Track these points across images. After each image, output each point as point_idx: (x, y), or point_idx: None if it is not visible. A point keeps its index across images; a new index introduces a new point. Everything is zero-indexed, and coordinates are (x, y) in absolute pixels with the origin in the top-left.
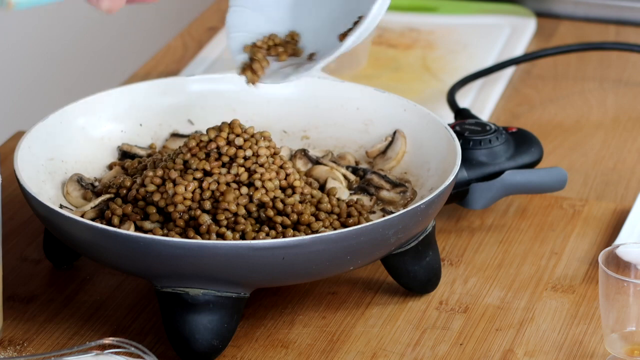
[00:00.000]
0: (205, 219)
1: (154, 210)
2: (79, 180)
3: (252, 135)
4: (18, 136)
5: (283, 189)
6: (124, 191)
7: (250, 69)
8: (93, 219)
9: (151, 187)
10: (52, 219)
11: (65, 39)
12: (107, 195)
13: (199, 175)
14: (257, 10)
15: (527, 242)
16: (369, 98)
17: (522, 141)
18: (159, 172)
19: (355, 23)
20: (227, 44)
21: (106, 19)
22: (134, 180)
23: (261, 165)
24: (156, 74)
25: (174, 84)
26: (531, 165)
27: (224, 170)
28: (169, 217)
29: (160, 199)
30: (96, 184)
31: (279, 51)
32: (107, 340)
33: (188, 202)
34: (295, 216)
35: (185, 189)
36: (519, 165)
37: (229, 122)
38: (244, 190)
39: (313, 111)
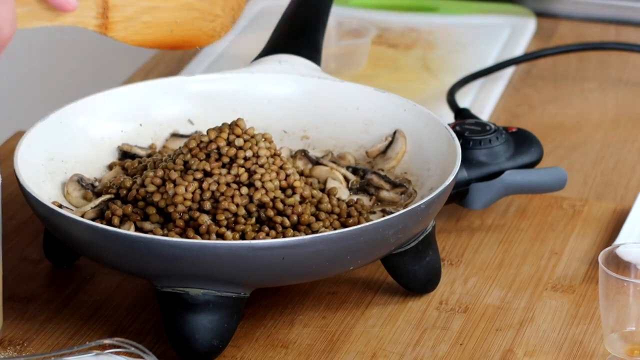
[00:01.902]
0: (205, 219)
1: (154, 211)
2: (79, 180)
3: (253, 136)
4: (18, 136)
5: (283, 190)
6: (124, 191)
7: None
8: (93, 219)
9: (151, 188)
10: (52, 219)
11: (65, 39)
12: (108, 196)
13: (199, 175)
14: None
15: (527, 242)
16: (369, 98)
17: (522, 141)
18: (159, 173)
19: None
20: None
21: None
22: (134, 180)
23: (261, 166)
24: (156, 74)
25: (174, 84)
26: (531, 165)
27: (224, 171)
28: (168, 218)
29: (161, 199)
30: (96, 184)
31: None
32: (107, 340)
33: (188, 203)
34: (295, 217)
35: (186, 190)
36: (519, 165)
37: (229, 122)
38: (244, 190)
39: (313, 111)
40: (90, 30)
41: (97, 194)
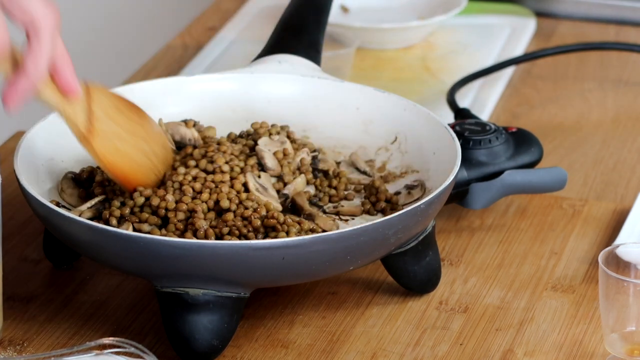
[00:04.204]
0: (202, 224)
1: (147, 215)
2: (73, 178)
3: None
4: (18, 136)
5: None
6: (122, 199)
7: None
8: (90, 219)
9: (139, 201)
10: (51, 219)
11: (64, 39)
12: (103, 196)
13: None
14: None
15: (527, 242)
16: (369, 98)
17: (522, 141)
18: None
19: None
20: None
21: (106, 19)
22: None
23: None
24: (156, 74)
25: (174, 84)
26: (531, 165)
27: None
28: (166, 220)
29: (159, 206)
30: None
31: None
32: (107, 340)
33: (184, 215)
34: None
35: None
36: (518, 165)
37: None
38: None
39: (313, 111)
40: (75, 133)
41: (91, 194)
